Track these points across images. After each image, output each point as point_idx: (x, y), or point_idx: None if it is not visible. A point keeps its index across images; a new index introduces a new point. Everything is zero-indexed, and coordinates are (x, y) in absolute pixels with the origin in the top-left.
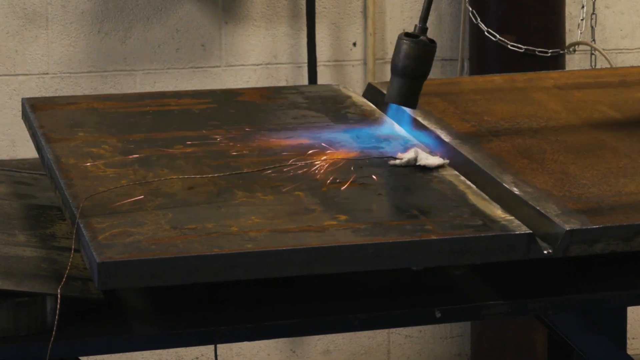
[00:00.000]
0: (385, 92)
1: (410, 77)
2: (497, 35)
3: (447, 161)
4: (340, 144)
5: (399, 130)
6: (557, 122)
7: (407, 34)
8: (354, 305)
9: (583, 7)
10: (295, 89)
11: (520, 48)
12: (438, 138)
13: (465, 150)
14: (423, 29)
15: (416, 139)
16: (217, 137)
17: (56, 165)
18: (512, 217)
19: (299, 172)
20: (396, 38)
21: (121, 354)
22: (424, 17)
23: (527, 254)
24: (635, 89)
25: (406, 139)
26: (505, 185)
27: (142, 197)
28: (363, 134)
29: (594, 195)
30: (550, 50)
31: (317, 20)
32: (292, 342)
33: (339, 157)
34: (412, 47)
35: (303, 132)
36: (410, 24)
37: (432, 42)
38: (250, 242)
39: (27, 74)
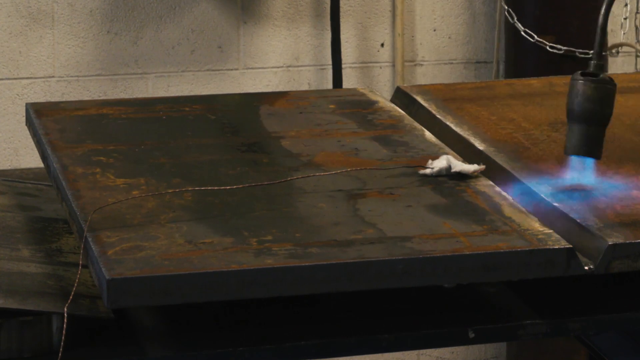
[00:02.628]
0: (415, 96)
1: (593, 123)
2: (535, 36)
3: (483, 167)
4: (366, 151)
5: (430, 137)
6: None
7: (583, 74)
8: (381, 325)
9: (626, 5)
10: (319, 93)
11: (560, 49)
12: (472, 146)
13: (500, 159)
14: (600, 66)
15: (448, 147)
16: (235, 145)
17: (62, 175)
18: (551, 231)
19: (323, 182)
20: (427, 38)
21: None
22: (599, 52)
23: (566, 270)
24: None
25: (437, 146)
26: (544, 197)
27: (155, 209)
28: (391, 142)
29: (638, 206)
30: (592, 52)
31: (342, 20)
32: None
33: (365, 166)
34: (593, 89)
35: (327, 139)
36: (442, 24)
37: (612, 81)
38: (271, 257)
39: (31, 78)
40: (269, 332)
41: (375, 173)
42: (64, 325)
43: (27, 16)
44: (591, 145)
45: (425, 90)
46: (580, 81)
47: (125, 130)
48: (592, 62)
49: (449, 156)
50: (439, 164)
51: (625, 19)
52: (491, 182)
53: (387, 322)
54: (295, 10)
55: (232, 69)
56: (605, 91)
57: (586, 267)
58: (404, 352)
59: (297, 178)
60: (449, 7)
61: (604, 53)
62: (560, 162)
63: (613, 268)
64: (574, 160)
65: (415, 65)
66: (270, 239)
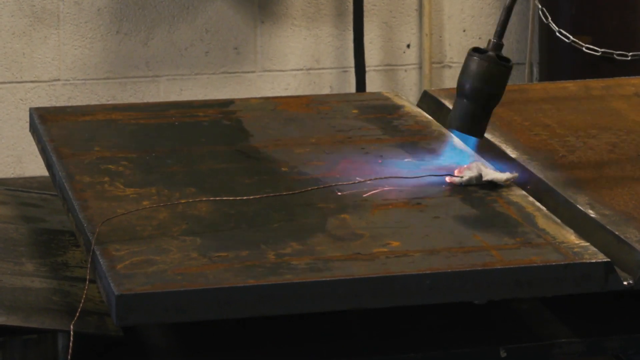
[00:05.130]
0: (443, 100)
1: (478, 101)
2: (571, 37)
3: (516, 175)
4: (392, 160)
5: (459, 144)
6: (638, 135)
7: (475, 49)
8: (407, 344)
9: None
10: (341, 97)
11: (597, 51)
12: (503, 153)
13: (534, 168)
14: (498, 45)
15: (478, 154)
16: (252, 152)
17: (69, 185)
18: (588, 244)
19: (345, 192)
20: (456, 39)
21: None
22: (500, 32)
23: (604, 285)
24: None
25: (467, 153)
26: (580, 207)
27: (167, 220)
28: (418, 149)
29: None
30: (631, 54)
31: (365, 19)
32: None
33: (391, 175)
34: (483, 66)
35: (350, 147)
36: (472, 24)
37: (506, 61)
38: (290, 272)
39: (35, 81)
40: (287, 352)
41: (401, 182)
42: (70, 344)
43: (31, 15)
44: (473, 122)
45: (454, 94)
46: (473, 57)
47: (135, 137)
48: (491, 40)
49: (480, 164)
50: (469, 172)
51: None
52: (524, 192)
53: (413, 340)
54: (316, 9)
55: (248, 72)
56: (496, 71)
57: (625, 282)
58: None
59: (318, 188)
60: (479, 6)
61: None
62: (599, 171)
63: None
64: None
65: (443, 67)
66: (289, 252)
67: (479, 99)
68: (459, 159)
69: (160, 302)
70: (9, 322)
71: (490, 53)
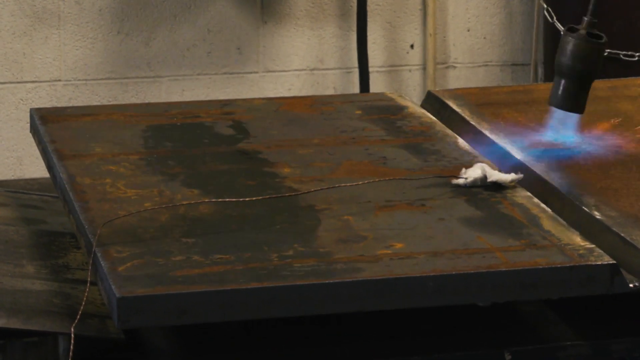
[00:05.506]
0: (447, 100)
1: (573, 78)
2: None
3: (521, 176)
4: (395, 160)
5: (463, 144)
6: None
7: (570, 28)
8: (411, 347)
9: None
10: (344, 97)
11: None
12: (508, 154)
13: (539, 169)
14: (591, 23)
15: (483, 155)
16: (255, 153)
17: (70, 186)
18: (593, 246)
19: (349, 193)
20: (460, 39)
21: None
22: (593, 10)
23: (610, 287)
24: None
25: (471, 154)
26: (585, 209)
27: (169, 222)
28: (421, 149)
29: None
30: (638, 54)
31: (369, 19)
32: None
33: (394, 175)
34: (575, 44)
35: (353, 147)
36: (476, 23)
37: (598, 38)
38: (293, 274)
39: (36, 81)
40: (290, 354)
41: (404, 183)
42: (71, 347)
43: (32, 15)
44: (574, 99)
45: (458, 94)
46: (568, 37)
47: (136, 138)
48: (585, 18)
49: (484, 165)
50: (474, 173)
51: None
52: (529, 193)
53: (417, 343)
54: (319, 9)
55: (251, 72)
56: (592, 48)
57: (631, 285)
58: None
59: (321, 189)
60: (483, 5)
61: None
62: (605, 172)
63: None
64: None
65: (447, 67)
66: (292, 255)
67: (574, 77)
68: (463, 160)
69: (162, 304)
70: (10, 325)
71: (582, 31)
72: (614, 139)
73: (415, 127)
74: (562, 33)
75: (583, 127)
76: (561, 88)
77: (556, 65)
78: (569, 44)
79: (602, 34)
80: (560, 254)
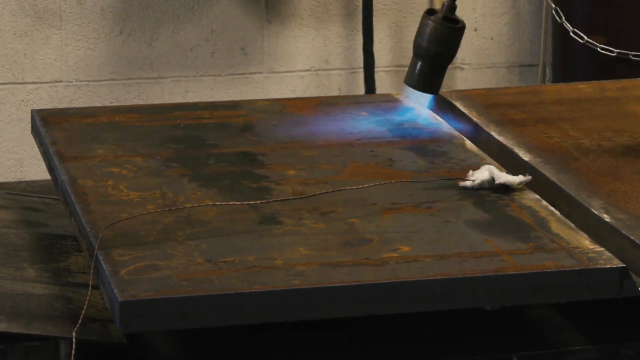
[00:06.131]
0: (454, 102)
1: (428, 60)
2: (585, 37)
3: (529, 177)
4: (401, 162)
5: (471, 146)
6: None
7: (429, 11)
8: (417, 351)
9: None
10: (350, 99)
11: (612, 51)
12: (516, 156)
13: (547, 171)
14: (450, 8)
15: (490, 157)
16: (259, 155)
17: (71, 188)
18: (602, 249)
19: (354, 196)
20: (467, 39)
21: None
22: None
23: (619, 291)
24: None
25: (479, 156)
26: (594, 212)
27: (172, 225)
28: (428, 151)
29: None
30: None
31: (375, 19)
32: None
33: (400, 178)
34: (431, 27)
35: (359, 149)
36: (483, 23)
37: (455, 22)
38: (297, 277)
39: (37, 82)
40: (294, 359)
41: (411, 186)
42: (73, 352)
43: (33, 15)
44: (428, 80)
45: (465, 95)
46: (428, 21)
47: (139, 140)
48: (445, 2)
49: (492, 167)
50: (481, 175)
51: None
52: (537, 196)
53: (423, 348)
54: (324, 9)
55: (255, 73)
56: (447, 31)
57: None
58: None
59: (326, 192)
60: (490, 5)
61: None
62: (614, 174)
63: None
64: None
65: (454, 68)
66: (296, 258)
67: (429, 59)
68: (471, 162)
69: (165, 308)
70: (10, 329)
71: (439, 15)
72: (623, 140)
73: (422, 128)
74: (422, 16)
75: (592, 128)
76: (417, 69)
77: (414, 47)
78: (427, 27)
79: (460, 19)
80: (569, 257)
